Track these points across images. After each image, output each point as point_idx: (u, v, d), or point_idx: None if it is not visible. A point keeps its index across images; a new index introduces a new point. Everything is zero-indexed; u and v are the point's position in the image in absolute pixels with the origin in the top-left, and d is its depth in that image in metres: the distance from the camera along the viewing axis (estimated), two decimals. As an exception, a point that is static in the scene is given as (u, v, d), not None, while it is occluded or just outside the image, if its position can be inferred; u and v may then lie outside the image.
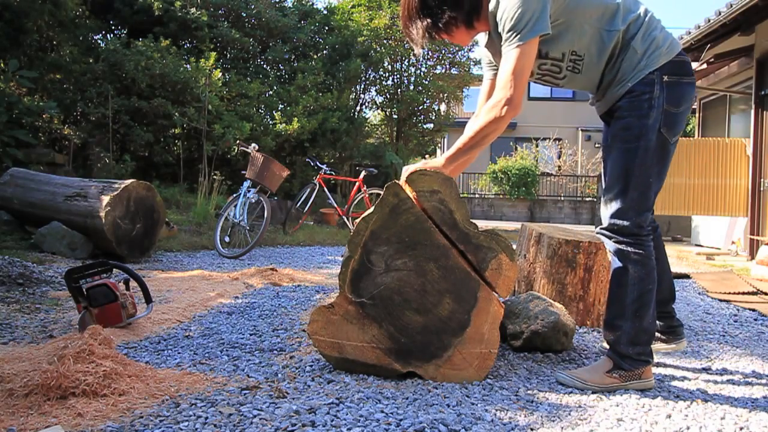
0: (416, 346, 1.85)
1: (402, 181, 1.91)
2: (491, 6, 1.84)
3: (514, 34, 1.75)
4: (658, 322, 2.15)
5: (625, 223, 1.83)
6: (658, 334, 2.17)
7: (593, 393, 1.82)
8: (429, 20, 1.89)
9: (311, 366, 1.99)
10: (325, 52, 10.90)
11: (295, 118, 9.09)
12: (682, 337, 2.20)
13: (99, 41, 9.44)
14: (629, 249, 1.83)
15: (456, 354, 1.86)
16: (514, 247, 2.03)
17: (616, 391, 1.83)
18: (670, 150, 1.86)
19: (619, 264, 1.86)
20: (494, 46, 1.94)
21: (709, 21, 6.37)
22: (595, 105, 2.03)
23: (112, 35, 9.61)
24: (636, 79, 1.80)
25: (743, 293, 4.02)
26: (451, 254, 1.87)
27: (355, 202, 8.11)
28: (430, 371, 1.85)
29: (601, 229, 1.92)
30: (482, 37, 2.04)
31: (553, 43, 1.83)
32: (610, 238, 1.88)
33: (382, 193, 1.91)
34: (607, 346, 1.95)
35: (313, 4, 11.51)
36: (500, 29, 1.80)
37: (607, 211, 1.88)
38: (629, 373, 1.85)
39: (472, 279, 1.88)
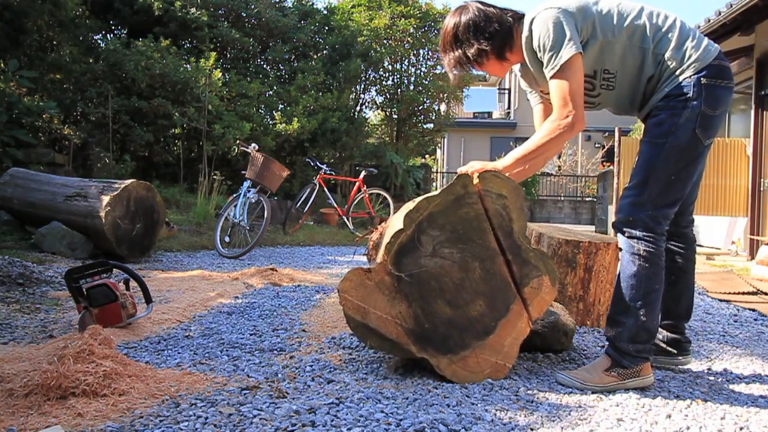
0: (437, 335, 1.85)
1: (464, 170, 1.92)
2: (524, 37, 1.89)
3: (555, 56, 1.79)
4: (667, 334, 2.13)
5: (640, 215, 1.82)
6: (664, 345, 2.15)
7: (593, 393, 1.82)
8: (460, 51, 1.97)
9: (311, 366, 1.99)
10: (325, 52, 10.89)
11: (295, 118, 9.09)
12: (688, 354, 2.15)
13: (99, 41, 9.43)
14: (640, 245, 1.83)
15: (472, 356, 1.86)
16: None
17: (616, 391, 1.83)
18: (702, 152, 1.86)
19: (628, 260, 1.86)
20: (529, 75, 2.01)
21: (709, 21, 6.36)
22: (636, 115, 2.05)
23: (112, 35, 9.61)
24: (672, 85, 1.81)
25: (743, 293, 4.02)
26: (497, 260, 1.89)
27: (355, 202, 8.11)
28: (442, 364, 1.85)
29: (615, 221, 1.92)
30: (518, 68, 2.09)
31: (585, 60, 1.85)
32: (623, 231, 1.88)
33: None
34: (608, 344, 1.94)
35: (313, 4, 11.49)
36: (539, 56, 1.85)
37: (624, 201, 1.88)
38: (628, 370, 1.84)
39: (510, 290, 1.89)
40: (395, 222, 1.96)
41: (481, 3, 1.99)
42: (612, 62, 1.87)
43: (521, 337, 1.91)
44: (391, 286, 1.84)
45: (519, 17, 1.96)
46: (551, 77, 1.83)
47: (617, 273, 1.91)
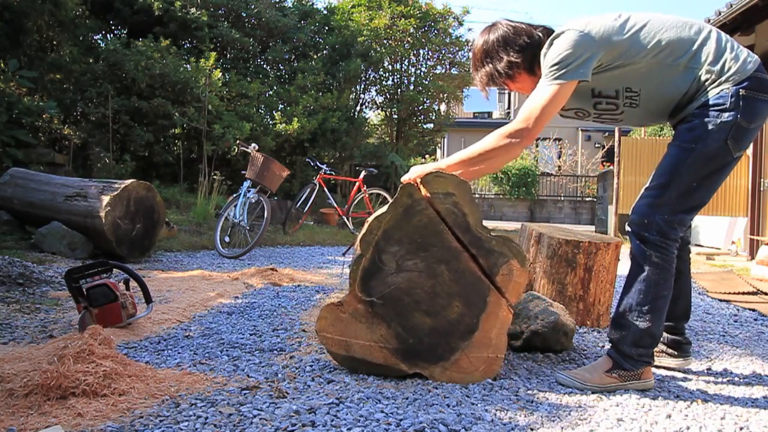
0: (424, 347, 1.85)
1: (407, 179, 1.91)
2: (544, 50, 1.87)
3: (556, 71, 1.78)
4: (667, 336, 2.13)
5: (656, 218, 1.79)
6: (664, 347, 2.14)
7: (593, 393, 1.82)
8: (490, 66, 1.97)
9: (311, 366, 1.99)
10: (325, 52, 10.90)
11: (295, 118, 9.09)
12: (688, 355, 2.15)
13: (99, 41, 9.43)
14: (652, 250, 1.80)
15: (463, 357, 1.86)
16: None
17: (616, 391, 1.83)
18: (730, 163, 1.81)
19: (638, 264, 1.83)
20: None
21: (709, 21, 6.36)
22: (666, 122, 2.03)
23: (112, 35, 9.61)
24: (710, 95, 1.77)
25: (743, 293, 4.02)
26: (462, 257, 1.88)
27: (355, 202, 8.11)
28: (436, 373, 1.85)
29: (629, 221, 1.88)
30: None
31: (605, 83, 1.84)
32: (635, 233, 1.84)
33: (382, 192, 1.92)
34: (609, 345, 1.94)
35: (313, 4, 11.50)
36: (543, 65, 1.83)
37: (641, 202, 1.84)
38: (629, 373, 1.84)
39: (482, 283, 1.88)
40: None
41: (509, 20, 2.01)
42: (635, 81, 1.83)
43: (506, 326, 1.89)
44: (366, 313, 1.85)
45: (548, 33, 1.94)
46: (541, 83, 1.81)
47: (627, 275, 1.88)
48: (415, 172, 1.91)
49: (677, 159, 1.79)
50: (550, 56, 1.81)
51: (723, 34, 1.84)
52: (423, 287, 1.86)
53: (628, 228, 1.89)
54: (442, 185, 1.88)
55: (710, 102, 1.75)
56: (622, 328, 1.85)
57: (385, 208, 1.89)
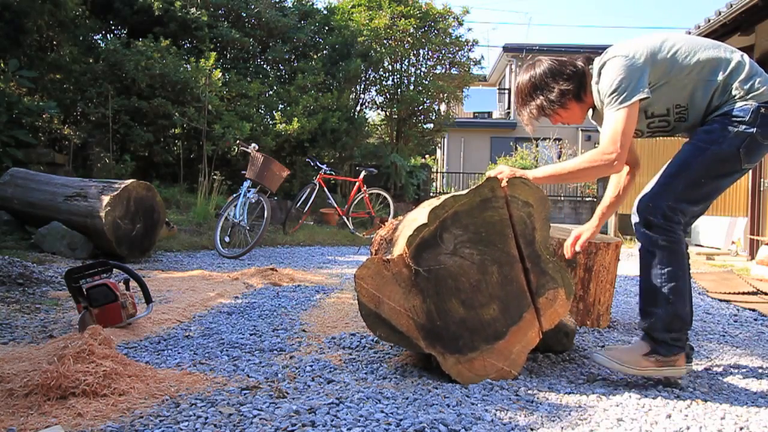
0: (448, 334, 1.85)
1: (495, 173, 1.94)
2: (594, 80, 1.98)
3: (617, 97, 1.86)
4: None
5: (661, 203, 1.86)
6: None
7: (629, 375, 1.85)
8: (541, 98, 2.04)
9: (311, 366, 1.99)
10: (325, 52, 10.89)
11: (295, 118, 9.08)
12: (690, 361, 2.13)
13: (99, 41, 9.42)
14: (658, 235, 1.86)
15: (479, 359, 1.87)
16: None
17: (616, 392, 1.83)
18: (738, 171, 1.90)
19: (647, 251, 1.89)
20: (600, 118, 2.06)
21: (709, 21, 6.36)
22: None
23: (112, 35, 9.60)
24: (733, 106, 1.86)
25: (743, 293, 4.02)
26: (516, 267, 1.90)
27: (355, 202, 8.11)
28: (449, 363, 1.85)
29: (635, 207, 1.94)
30: (589, 113, 2.17)
31: (656, 103, 1.93)
32: (641, 220, 1.90)
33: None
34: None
35: (313, 4, 11.48)
36: (602, 96, 1.92)
37: (648, 190, 1.91)
38: (665, 358, 1.88)
39: (525, 298, 1.91)
40: (417, 216, 1.96)
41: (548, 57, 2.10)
42: (683, 97, 1.92)
43: (530, 347, 1.92)
44: (408, 280, 1.84)
45: (588, 60, 2.05)
46: (610, 112, 1.89)
47: (640, 266, 1.93)
48: (505, 170, 1.97)
49: (690, 154, 1.88)
50: (605, 86, 1.90)
51: (754, 64, 1.95)
52: (469, 278, 1.87)
53: (634, 219, 1.94)
54: (525, 193, 1.93)
55: (732, 113, 1.85)
56: (649, 316, 1.90)
57: (464, 192, 1.90)
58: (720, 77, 1.88)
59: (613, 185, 2.23)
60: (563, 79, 2.01)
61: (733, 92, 1.86)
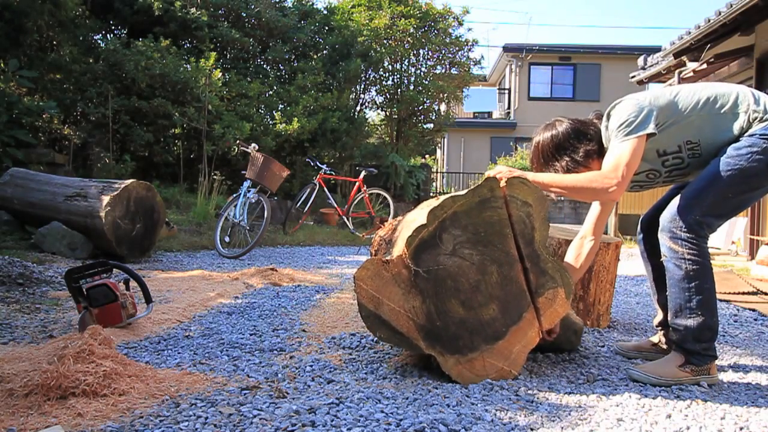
0: (447, 334, 1.86)
1: (494, 173, 1.95)
2: (603, 124, 2.04)
3: (625, 129, 1.92)
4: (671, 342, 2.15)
5: (688, 217, 1.88)
6: (666, 348, 2.17)
7: (667, 386, 1.87)
8: (567, 159, 2.08)
9: (311, 366, 1.99)
10: (325, 52, 10.89)
11: (295, 118, 9.08)
12: None
13: (99, 41, 9.42)
14: (684, 248, 1.88)
15: (479, 359, 1.87)
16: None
17: (616, 392, 1.83)
18: (761, 188, 1.93)
19: (674, 265, 1.91)
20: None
21: (709, 21, 6.36)
22: None
23: (112, 35, 9.60)
24: (761, 126, 1.89)
25: (743, 293, 4.02)
26: (515, 267, 1.91)
27: (355, 202, 8.11)
28: (449, 363, 1.85)
29: (662, 220, 1.95)
30: None
31: (666, 140, 1.97)
32: (668, 233, 1.92)
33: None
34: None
35: (313, 4, 11.48)
36: (610, 133, 1.99)
37: (675, 204, 1.93)
38: (700, 368, 1.91)
39: (524, 298, 1.91)
40: (416, 217, 1.96)
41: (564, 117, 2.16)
42: (692, 133, 1.96)
43: (530, 346, 1.92)
44: (408, 280, 1.84)
45: (599, 117, 2.11)
46: (615, 142, 1.93)
47: (667, 280, 1.94)
48: (503, 170, 1.97)
49: (718, 170, 1.90)
50: (614, 121, 1.96)
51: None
52: (469, 279, 1.87)
53: (661, 235, 1.96)
54: (524, 193, 1.93)
55: (758, 132, 1.88)
56: (679, 328, 1.92)
57: (463, 192, 1.90)
58: (726, 109, 1.92)
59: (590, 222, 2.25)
60: (587, 140, 2.07)
61: (752, 116, 1.89)
